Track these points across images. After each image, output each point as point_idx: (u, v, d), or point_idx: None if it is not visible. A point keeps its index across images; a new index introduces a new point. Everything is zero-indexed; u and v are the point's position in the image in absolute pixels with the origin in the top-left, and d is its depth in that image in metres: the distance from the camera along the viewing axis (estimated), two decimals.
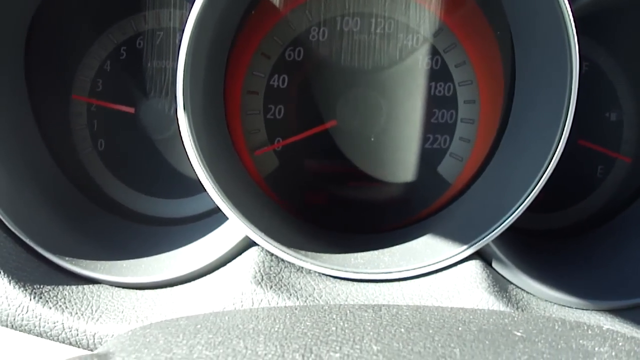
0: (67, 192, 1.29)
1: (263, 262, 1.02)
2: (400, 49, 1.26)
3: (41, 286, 1.02)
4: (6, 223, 1.05)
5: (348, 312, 0.74)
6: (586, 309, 1.05)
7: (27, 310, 0.99)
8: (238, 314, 0.73)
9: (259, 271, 1.00)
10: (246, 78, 1.26)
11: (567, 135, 0.97)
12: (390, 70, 1.26)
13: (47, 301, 1.00)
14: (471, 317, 0.74)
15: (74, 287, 1.05)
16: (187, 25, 0.93)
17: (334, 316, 0.72)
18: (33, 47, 1.23)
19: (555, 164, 0.98)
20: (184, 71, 0.95)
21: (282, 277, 1.02)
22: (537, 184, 0.99)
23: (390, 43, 1.25)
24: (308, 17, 1.25)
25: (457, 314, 0.76)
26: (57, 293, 1.03)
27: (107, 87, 1.34)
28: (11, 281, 1.00)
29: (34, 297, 1.00)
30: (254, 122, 1.28)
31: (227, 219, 1.05)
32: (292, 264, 1.04)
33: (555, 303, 1.06)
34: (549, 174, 0.98)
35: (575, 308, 1.05)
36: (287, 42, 1.26)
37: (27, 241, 1.05)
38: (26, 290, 1.00)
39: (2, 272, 1.00)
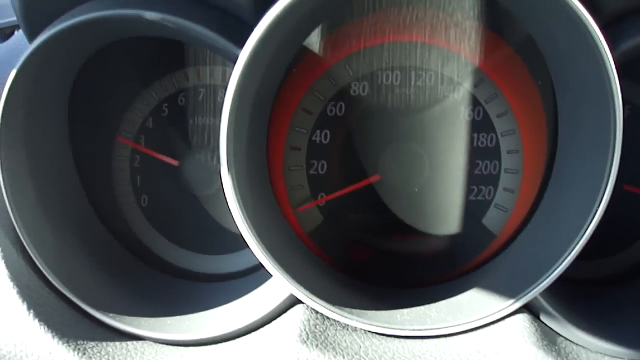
0: (111, 248, 1.30)
1: (308, 320, 1.01)
2: (441, 101, 1.26)
3: (85, 342, 1.02)
4: (51, 279, 1.06)
5: None
6: None
7: None
8: None
9: (304, 329, 0.99)
10: (288, 134, 1.26)
11: (613, 182, 0.95)
12: (431, 122, 1.26)
13: (90, 357, 1.00)
14: None
15: (117, 343, 1.05)
16: (230, 84, 0.94)
17: None
18: (76, 104, 1.26)
19: (602, 212, 0.96)
20: (227, 129, 0.95)
21: (328, 335, 1.00)
22: (584, 233, 0.97)
23: (431, 95, 1.25)
24: (348, 72, 1.25)
25: None
26: (101, 349, 1.02)
27: (150, 143, 1.36)
28: (55, 337, 1.00)
29: (78, 353, 1.00)
30: (297, 178, 1.28)
31: (271, 275, 1.05)
32: (338, 321, 1.03)
33: (606, 354, 1.03)
34: (597, 222, 0.96)
35: (628, 359, 1.02)
36: (328, 98, 1.27)
37: (71, 297, 1.06)
38: (70, 346, 1.00)
39: (46, 328, 1.00)
